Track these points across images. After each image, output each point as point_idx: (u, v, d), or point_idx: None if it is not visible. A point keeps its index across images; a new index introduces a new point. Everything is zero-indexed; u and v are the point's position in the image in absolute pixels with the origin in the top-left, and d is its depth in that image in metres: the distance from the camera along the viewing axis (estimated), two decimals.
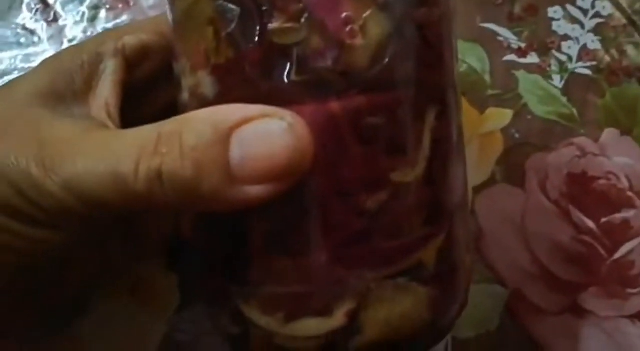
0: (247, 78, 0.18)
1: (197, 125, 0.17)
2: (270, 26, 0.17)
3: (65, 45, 0.33)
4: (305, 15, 0.17)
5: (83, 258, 0.22)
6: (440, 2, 0.19)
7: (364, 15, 0.17)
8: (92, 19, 0.33)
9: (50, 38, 0.33)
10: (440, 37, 0.19)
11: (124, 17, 0.34)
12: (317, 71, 0.17)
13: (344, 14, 0.17)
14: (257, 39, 0.17)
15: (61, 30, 0.33)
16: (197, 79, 0.19)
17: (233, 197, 0.17)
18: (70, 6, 0.34)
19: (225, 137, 0.17)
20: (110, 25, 0.33)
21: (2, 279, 0.19)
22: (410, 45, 0.18)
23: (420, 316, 0.19)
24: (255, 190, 0.17)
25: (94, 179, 0.17)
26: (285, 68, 0.17)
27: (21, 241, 0.18)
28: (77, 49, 0.22)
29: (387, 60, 0.18)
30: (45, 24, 0.33)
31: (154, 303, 0.28)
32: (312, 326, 0.18)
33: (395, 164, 0.18)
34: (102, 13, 0.34)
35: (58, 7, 0.33)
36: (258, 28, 0.17)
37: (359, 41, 0.17)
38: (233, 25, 0.17)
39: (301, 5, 0.17)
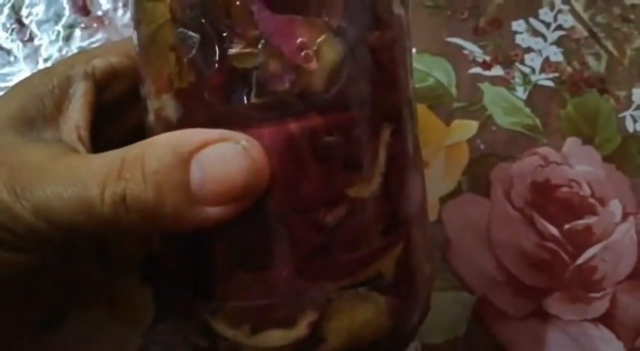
0: (209, 101, 0.18)
1: (158, 150, 0.18)
2: (230, 51, 0.18)
3: (41, 64, 0.33)
4: (262, 41, 0.18)
5: (57, 274, 0.22)
6: (392, 25, 0.20)
7: (318, 40, 0.18)
8: (67, 38, 0.34)
9: (26, 57, 0.34)
10: (394, 59, 0.20)
11: (99, 36, 0.34)
12: (276, 94, 0.18)
13: (298, 40, 0.18)
14: (217, 64, 0.18)
15: (37, 49, 0.34)
16: (161, 102, 0.19)
17: (194, 217, 0.18)
18: (46, 26, 0.34)
19: (185, 161, 0.18)
20: (85, 43, 0.34)
21: None
22: (363, 68, 0.19)
23: (381, 324, 0.20)
24: (215, 211, 0.18)
25: (62, 204, 0.18)
26: (245, 91, 0.18)
27: None
28: (48, 72, 0.23)
29: (341, 82, 0.18)
30: (20, 44, 0.34)
31: (130, 316, 0.28)
32: (276, 337, 0.19)
33: (352, 180, 0.19)
34: (77, 32, 0.34)
35: (33, 27, 0.34)
36: (218, 53, 0.18)
37: (313, 65, 0.18)
38: (194, 51, 0.18)
39: (258, 31, 0.18)
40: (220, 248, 0.19)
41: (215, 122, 0.18)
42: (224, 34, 0.18)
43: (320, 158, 0.18)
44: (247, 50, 0.18)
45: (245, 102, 0.18)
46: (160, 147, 0.18)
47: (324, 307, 0.19)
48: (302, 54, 0.18)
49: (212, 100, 0.18)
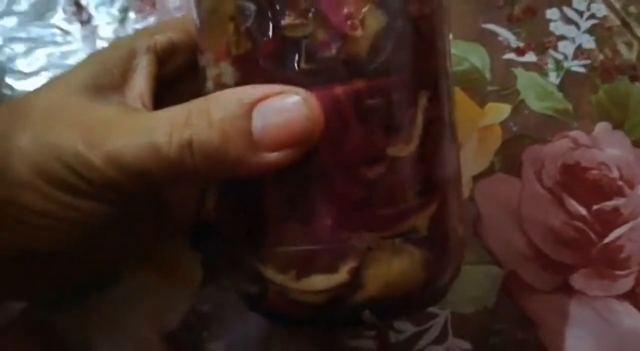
0: (263, 67, 0.20)
1: (224, 100, 0.20)
2: (282, 22, 0.20)
3: (98, 44, 0.35)
4: (312, 11, 0.19)
5: (117, 233, 0.24)
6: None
7: (363, 10, 0.20)
8: (122, 20, 0.36)
9: (84, 37, 0.36)
10: (432, 29, 0.21)
11: (151, 19, 0.36)
12: (323, 60, 0.20)
13: (345, 10, 0.20)
14: (271, 32, 0.20)
15: (94, 30, 0.36)
16: (219, 69, 0.21)
17: (255, 162, 0.19)
18: (102, 8, 0.36)
19: (248, 110, 0.19)
20: (138, 26, 0.36)
21: (48, 244, 0.22)
22: (404, 37, 0.20)
23: (415, 275, 0.21)
24: (275, 156, 0.19)
25: (132, 151, 0.20)
26: (295, 58, 0.20)
27: (70, 211, 0.21)
28: (115, 46, 0.25)
29: (384, 49, 0.20)
30: (79, 25, 0.36)
31: (178, 279, 0.30)
32: (320, 281, 0.21)
33: (391, 140, 0.20)
34: (131, 15, 0.36)
35: (91, 9, 0.36)
36: (272, 23, 0.20)
37: (359, 33, 0.20)
38: (250, 21, 0.20)
39: (308, 3, 0.19)
40: (272, 199, 0.21)
41: None
42: (277, 6, 0.20)
43: (363, 119, 0.20)
44: (298, 20, 0.20)
45: (296, 67, 0.20)
46: (225, 98, 0.20)
47: (364, 255, 0.20)
48: (349, 22, 0.20)
49: (266, 66, 0.20)
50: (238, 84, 0.21)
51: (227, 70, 0.21)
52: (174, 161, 0.19)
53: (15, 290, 0.25)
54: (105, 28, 0.36)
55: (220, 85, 0.21)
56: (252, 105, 0.19)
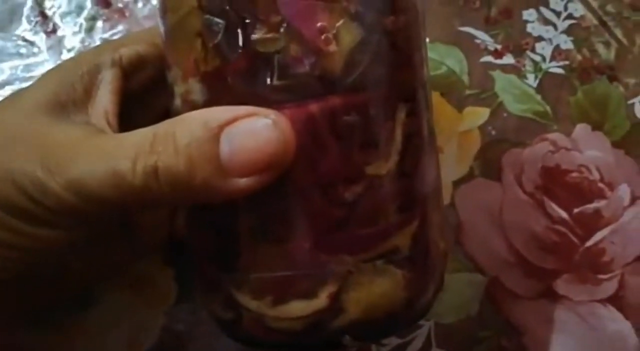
0: (233, 84, 0.19)
1: (190, 125, 0.19)
2: (253, 36, 0.19)
3: (65, 55, 0.35)
4: (284, 25, 0.19)
5: (85, 255, 0.23)
6: (408, 9, 0.21)
7: (337, 24, 0.19)
8: (90, 30, 0.35)
9: (49, 48, 0.35)
10: (409, 41, 0.21)
11: (120, 27, 0.36)
12: (297, 76, 0.19)
13: (318, 24, 0.19)
14: (241, 48, 0.19)
15: (60, 40, 0.35)
16: (187, 86, 0.20)
17: (223, 188, 0.19)
18: (68, 18, 0.35)
19: (215, 134, 0.19)
20: (106, 35, 0.35)
21: (7, 274, 0.21)
22: (380, 50, 0.20)
23: (397, 296, 0.21)
24: (244, 182, 0.19)
25: (95, 179, 0.19)
26: (267, 74, 0.19)
27: (26, 239, 0.20)
28: (77, 60, 0.24)
29: (359, 64, 0.19)
30: (44, 35, 0.35)
31: (153, 296, 0.30)
32: (298, 308, 0.20)
33: (369, 158, 0.20)
34: (99, 24, 0.35)
35: (57, 19, 0.35)
36: (242, 39, 0.19)
37: (333, 48, 0.19)
38: (219, 36, 0.19)
39: (280, 17, 0.19)
40: (245, 222, 0.20)
41: (240, 104, 0.19)
42: (247, 20, 0.19)
43: (339, 137, 0.19)
44: (269, 35, 0.19)
45: (268, 84, 0.19)
46: (192, 121, 0.19)
47: (344, 279, 0.20)
48: (322, 37, 0.19)
49: (236, 83, 0.19)
50: (207, 101, 0.20)
51: (195, 87, 0.20)
52: (139, 188, 0.19)
53: None
54: (72, 38, 0.35)
55: (189, 103, 0.21)
56: (220, 128, 0.19)
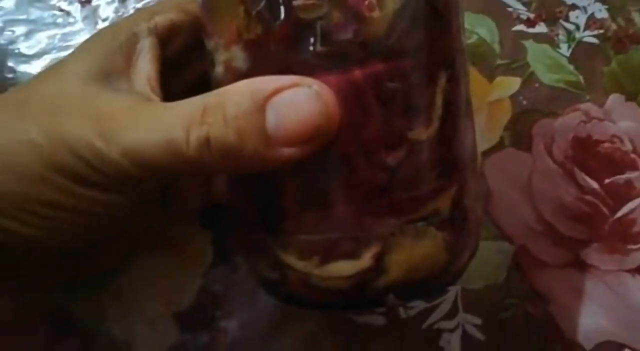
0: (276, 51, 0.20)
1: (237, 97, 0.20)
2: (295, 3, 0.19)
3: (100, 24, 0.35)
4: None
5: (128, 222, 0.24)
6: None
7: None
8: (123, 0, 0.36)
9: (84, 18, 0.36)
10: (449, 8, 0.21)
11: None
12: (340, 43, 0.19)
13: None
14: (283, 15, 0.19)
15: (94, 10, 0.36)
16: (230, 54, 0.21)
17: (271, 157, 0.20)
18: None
19: (261, 106, 0.19)
20: (139, 4, 0.35)
21: (77, 241, 0.22)
22: (421, 16, 0.20)
23: (437, 257, 0.21)
24: (289, 151, 0.19)
25: (150, 147, 0.20)
26: (310, 41, 0.19)
27: (86, 203, 0.21)
28: (114, 30, 0.24)
29: (401, 30, 0.20)
30: (79, 5, 0.36)
31: (189, 257, 0.31)
32: (343, 267, 0.21)
33: (411, 124, 0.20)
34: None
35: None
36: (283, 5, 0.19)
37: (376, 14, 0.19)
38: (262, 4, 0.20)
39: None
40: (291, 187, 0.21)
41: (283, 72, 0.20)
42: None
43: (382, 103, 0.20)
44: (311, 1, 0.19)
45: (311, 51, 0.19)
46: (239, 94, 0.20)
47: (387, 241, 0.21)
48: (365, 2, 0.19)
49: (279, 51, 0.20)
50: (250, 69, 0.20)
51: (238, 55, 0.21)
52: (193, 158, 0.20)
53: (31, 282, 0.26)
54: (106, 8, 0.36)
55: (232, 70, 0.21)
56: (266, 99, 0.19)
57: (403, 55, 0.20)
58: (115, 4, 0.36)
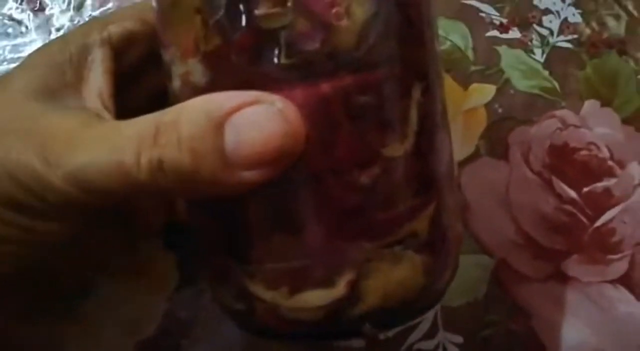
0: (237, 64, 0.18)
1: (192, 115, 0.18)
2: (257, 12, 0.18)
3: (53, 34, 0.33)
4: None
5: (85, 243, 0.23)
6: None
7: None
8: (79, 8, 0.34)
9: (37, 28, 0.34)
10: (421, 16, 0.20)
11: (110, 4, 0.34)
12: (306, 54, 0.18)
13: None
14: (244, 25, 0.18)
15: (48, 19, 0.34)
16: (187, 67, 0.19)
17: (229, 182, 0.18)
18: None
19: (219, 125, 0.17)
20: (96, 13, 0.34)
21: (6, 268, 0.20)
22: (393, 25, 0.19)
23: (416, 281, 0.20)
24: (250, 175, 0.18)
25: (97, 171, 0.18)
26: (274, 52, 0.18)
27: (24, 233, 0.19)
28: (64, 41, 0.22)
29: (372, 40, 0.18)
30: (31, 14, 0.34)
31: (153, 281, 0.29)
32: (315, 297, 0.19)
33: (385, 140, 0.19)
34: (88, 1, 0.34)
35: None
36: (245, 14, 0.18)
37: (344, 22, 0.18)
38: (220, 13, 0.18)
39: None
40: (256, 211, 0.19)
41: (244, 85, 0.18)
42: None
43: (353, 118, 0.18)
44: (274, 9, 0.18)
45: (275, 63, 0.18)
46: (194, 111, 0.18)
47: (362, 266, 0.19)
48: (333, 11, 0.18)
49: (240, 63, 0.18)
50: (209, 83, 0.19)
51: (196, 68, 0.19)
52: (145, 183, 0.18)
53: None
54: (60, 16, 0.34)
55: (189, 85, 0.19)
56: (224, 118, 0.18)
57: (374, 67, 0.19)
58: (71, 13, 0.34)
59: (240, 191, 0.18)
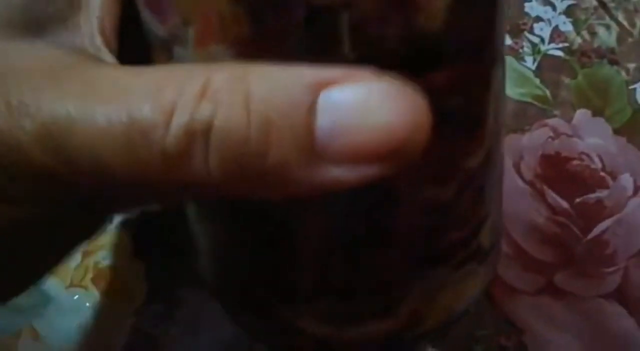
0: (281, 56, 0.12)
1: (272, 74, 0.11)
2: None
3: None
4: None
5: (34, 239, 0.15)
6: None
7: None
8: None
9: None
10: None
11: None
12: (378, 43, 0.12)
13: None
14: (293, 2, 0.12)
15: None
16: (208, 55, 0.13)
17: (309, 178, 0.11)
18: None
19: (312, 96, 0.11)
20: None
21: None
22: (481, 3, 0.14)
23: (475, 294, 0.18)
24: (343, 173, 0.11)
25: (91, 128, 0.11)
26: (335, 40, 0.12)
27: None
28: None
29: (462, 24, 0.13)
30: None
31: (119, 293, 0.26)
32: (373, 328, 0.16)
33: (468, 148, 0.15)
34: None
35: None
36: None
37: (430, 1, 0.12)
38: None
39: None
40: (311, 231, 0.15)
41: None
42: None
43: (438, 125, 0.13)
44: None
45: (338, 55, 0.12)
46: (275, 71, 0.11)
47: (430, 292, 0.16)
48: None
49: (286, 54, 0.12)
50: None
51: (222, 58, 0.13)
52: (170, 158, 0.11)
53: None
54: None
55: None
56: (318, 87, 0.11)
57: (465, 58, 0.14)
58: None
59: (316, 192, 0.12)
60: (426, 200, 0.14)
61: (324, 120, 0.11)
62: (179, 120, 0.11)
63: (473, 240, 0.16)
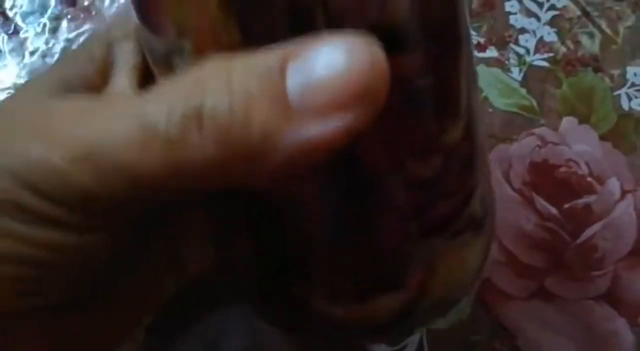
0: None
1: (248, 57, 0.13)
2: None
3: (27, 57, 0.33)
4: None
5: (124, 279, 0.17)
6: None
7: None
8: (54, 30, 0.33)
9: (11, 50, 0.33)
10: None
11: (86, 26, 0.34)
12: (352, 26, 0.13)
13: None
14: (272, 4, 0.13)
15: (22, 42, 0.33)
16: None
17: (291, 140, 0.13)
18: (31, 18, 0.33)
19: (280, 64, 0.13)
20: (72, 35, 0.33)
21: (34, 301, 0.15)
22: None
23: (476, 264, 0.18)
24: (319, 129, 0.13)
25: (111, 141, 0.13)
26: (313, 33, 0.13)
27: (32, 248, 0.14)
28: (91, 41, 0.19)
29: (431, 3, 0.14)
30: (6, 37, 0.34)
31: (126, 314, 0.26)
32: (384, 303, 0.17)
33: (444, 124, 0.16)
34: (64, 23, 0.34)
35: (18, 19, 0.34)
36: None
37: None
38: None
39: None
40: (311, 217, 0.16)
41: None
42: None
43: (413, 105, 0.14)
44: None
45: None
46: (251, 55, 0.13)
47: (431, 262, 0.17)
48: None
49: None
50: None
51: None
52: (173, 143, 0.13)
53: None
54: (35, 40, 0.33)
55: None
56: (286, 59, 0.13)
57: (435, 38, 0.15)
58: (46, 35, 0.34)
59: (301, 153, 0.13)
60: (412, 174, 0.16)
61: (293, 81, 0.13)
62: (178, 112, 0.13)
63: (465, 210, 0.17)
